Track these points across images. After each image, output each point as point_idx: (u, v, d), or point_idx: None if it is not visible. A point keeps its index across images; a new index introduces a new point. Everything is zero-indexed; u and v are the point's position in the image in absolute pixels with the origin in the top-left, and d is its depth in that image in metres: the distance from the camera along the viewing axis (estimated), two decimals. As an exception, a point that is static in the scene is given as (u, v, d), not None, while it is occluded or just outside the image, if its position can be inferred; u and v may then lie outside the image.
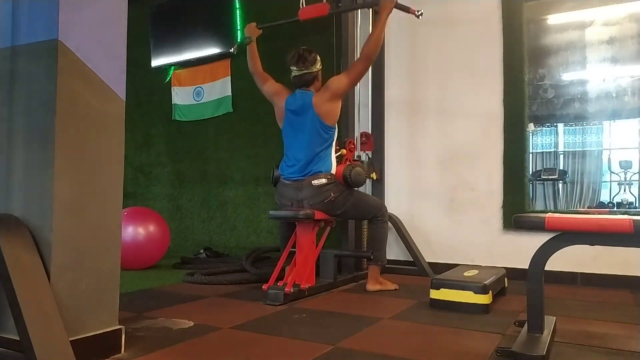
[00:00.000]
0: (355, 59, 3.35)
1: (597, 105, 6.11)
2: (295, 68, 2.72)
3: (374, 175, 3.46)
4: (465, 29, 3.53)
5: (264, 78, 2.92)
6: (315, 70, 2.73)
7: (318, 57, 2.75)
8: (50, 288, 1.41)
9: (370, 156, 3.50)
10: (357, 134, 3.39)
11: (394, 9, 2.76)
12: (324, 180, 2.64)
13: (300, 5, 3.02)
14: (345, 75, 2.73)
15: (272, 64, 3.04)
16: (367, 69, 2.89)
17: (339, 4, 3.41)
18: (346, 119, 3.24)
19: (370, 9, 3.61)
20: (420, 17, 2.74)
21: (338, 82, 2.70)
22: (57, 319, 1.37)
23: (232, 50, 3.04)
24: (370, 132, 3.60)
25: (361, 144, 3.37)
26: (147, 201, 4.96)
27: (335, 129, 2.74)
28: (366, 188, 3.45)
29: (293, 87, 2.79)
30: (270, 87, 2.89)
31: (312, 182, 2.63)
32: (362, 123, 3.54)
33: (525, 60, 3.35)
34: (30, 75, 1.53)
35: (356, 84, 2.96)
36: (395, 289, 2.83)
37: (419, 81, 3.69)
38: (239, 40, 2.98)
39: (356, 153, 3.36)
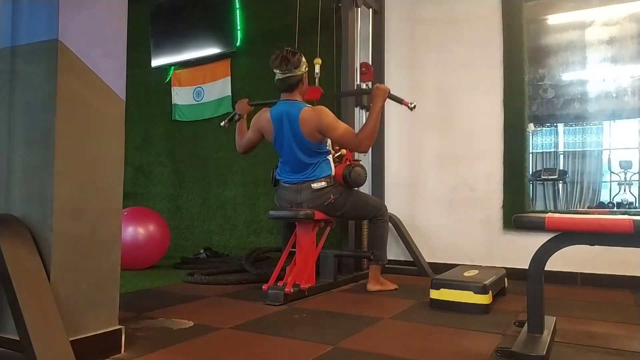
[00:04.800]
0: (355, 58, 3.36)
1: (597, 105, 6.11)
2: (278, 71, 2.56)
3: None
4: (465, 29, 3.53)
5: (248, 140, 2.80)
6: (299, 73, 2.57)
7: (303, 59, 2.59)
8: (50, 288, 1.41)
9: (370, 86, 3.42)
10: (357, 64, 3.33)
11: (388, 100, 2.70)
12: (323, 184, 2.63)
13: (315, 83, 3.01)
14: (340, 132, 2.55)
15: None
16: (355, 151, 2.80)
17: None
18: (346, 120, 3.24)
19: (370, 8, 3.62)
20: (413, 109, 2.68)
21: (331, 128, 2.54)
22: (57, 319, 1.37)
23: (222, 124, 3.00)
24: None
25: (361, 74, 3.33)
26: (147, 201, 4.96)
27: (325, 141, 2.65)
28: (366, 187, 3.44)
29: (277, 91, 2.67)
30: (250, 132, 2.77)
31: (312, 185, 2.62)
32: (362, 122, 3.53)
33: (525, 60, 3.35)
34: (30, 75, 1.53)
35: (335, 144, 2.80)
36: (395, 289, 2.83)
37: (418, 81, 3.69)
38: (231, 114, 2.94)
39: (356, 83, 3.34)
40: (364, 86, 3.38)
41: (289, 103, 2.62)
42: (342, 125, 2.58)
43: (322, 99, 2.92)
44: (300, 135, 2.57)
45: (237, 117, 2.93)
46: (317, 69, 3.09)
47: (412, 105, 2.70)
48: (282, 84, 2.61)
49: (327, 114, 2.55)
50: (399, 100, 2.74)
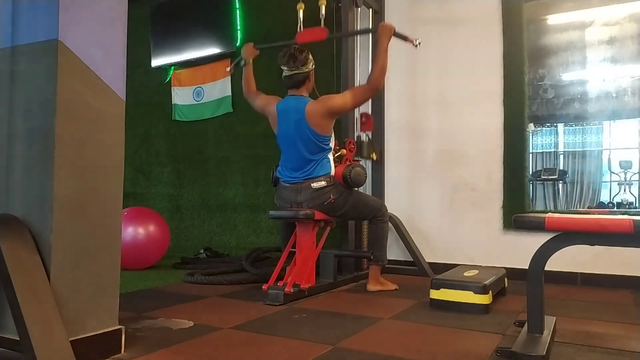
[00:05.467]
0: (355, 59, 3.36)
1: (597, 106, 6.11)
2: (286, 68, 2.65)
3: (374, 156, 3.44)
4: (465, 28, 3.53)
5: (256, 95, 2.89)
6: (306, 70, 2.66)
7: (310, 57, 2.68)
8: (50, 288, 1.41)
9: (370, 137, 3.48)
10: (357, 115, 3.34)
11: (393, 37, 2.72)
12: (323, 183, 2.63)
13: (298, 29, 3.00)
14: (349, 98, 2.65)
15: (273, 64, 3.03)
16: (372, 96, 2.84)
17: (337, 8, 3.41)
18: (346, 120, 3.24)
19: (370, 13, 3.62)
20: (418, 46, 2.71)
21: (340, 104, 2.63)
22: (57, 319, 1.37)
23: (228, 69, 3.03)
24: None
25: (361, 124, 3.35)
26: (147, 201, 4.96)
27: (330, 136, 2.70)
28: (366, 188, 3.44)
29: (284, 88, 2.74)
30: (260, 100, 2.85)
31: (312, 184, 2.63)
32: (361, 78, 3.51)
33: (525, 60, 3.35)
34: (30, 75, 1.53)
35: (358, 107, 2.92)
36: (395, 289, 2.83)
37: (419, 81, 3.69)
38: (236, 60, 2.96)
39: (356, 133, 3.35)
40: (363, 137, 3.41)
41: (296, 98, 2.67)
42: (347, 92, 2.70)
43: (326, 40, 2.95)
44: (307, 128, 2.60)
45: (243, 62, 2.95)
46: (322, 10, 3.05)
47: (417, 42, 2.71)
48: (289, 80, 2.68)
49: (331, 96, 2.67)
50: (404, 38, 2.76)
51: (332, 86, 3.51)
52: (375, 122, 3.57)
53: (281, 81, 2.73)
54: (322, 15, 3.04)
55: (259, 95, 2.89)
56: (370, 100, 3.64)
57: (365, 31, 3.32)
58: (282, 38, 3.71)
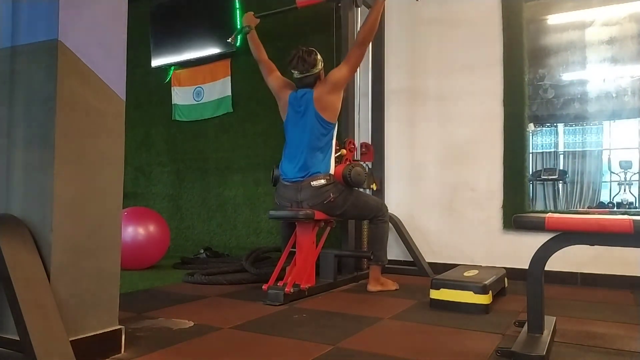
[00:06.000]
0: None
1: (597, 106, 6.11)
2: (296, 72, 2.71)
3: (374, 186, 3.44)
4: (465, 28, 3.53)
5: (270, 68, 2.93)
6: (316, 71, 2.71)
7: (319, 57, 2.73)
8: (50, 288, 1.41)
9: (370, 166, 3.49)
10: (357, 144, 3.34)
11: None
12: (323, 181, 2.63)
13: None
14: (344, 64, 2.73)
15: (274, 64, 3.03)
16: (364, 54, 2.86)
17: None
18: (346, 120, 3.24)
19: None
20: None
21: (338, 73, 2.71)
22: (57, 319, 1.37)
23: (229, 40, 3.04)
24: (370, 139, 3.58)
25: (361, 154, 3.35)
26: (147, 201, 4.96)
27: (334, 125, 2.73)
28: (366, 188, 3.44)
29: (296, 87, 2.79)
30: (275, 81, 2.89)
31: (312, 183, 2.63)
32: (362, 125, 3.53)
33: (525, 60, 3.35)
34: (30, 75, 1.53)
35: (355, 71, 2.93)
36: (396, 289, 2.83)
37: (419, 81, 3.69)
38: (238, 30, 2.98)
39: (353, 159, 3.33)
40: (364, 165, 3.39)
41: (307, 91, 2.73)
42: (342, 63, 2.76)
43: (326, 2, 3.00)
44: (314, 114, 2.65)
45: (246, 29, 2.99)
46: None
47: None
48: (301, 83, 2.74)
49: (330, 73, 2.73)
50: None
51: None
52: (375, 146, 3.54)
53: (288, 76, 2.78)
54: None
55: (272, 70, 2.93)
56: (370, 101, 3.66)
57: None
58: (282, 38, 3.72)
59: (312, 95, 2.68)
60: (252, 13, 3.04)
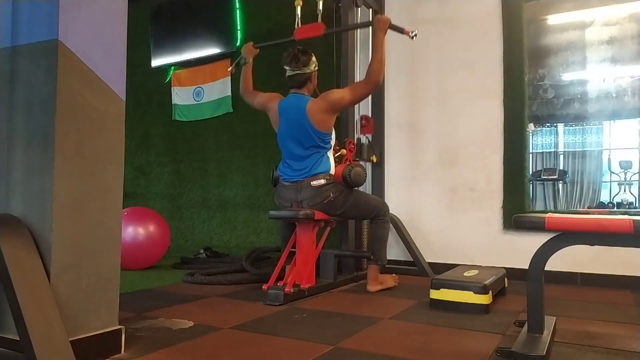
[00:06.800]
0: (355, 59, 3.36)
1: (597, 106, 6.11)
2: (288, 68, 2.67)
3: (374, 158, 3.44)
4: (465, 28, 3.53)
5: (254, 94, 2.91)
6: (309, 71, 2.67)
7: (313, 58, 2.70)
8: (50, 288, 1.41)
9: (370, 139, 3.48)
10: (357, 117, 3.34)
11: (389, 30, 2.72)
12: (322, 181, 2.63)
13: (296, 26, 3.00)
14: (349, 93, 2.65)
15: (273, 64, 3.03)
16: (371, 92, 2.81)
17: (338, 4, 3.41)
18: (346, 120, 3.24)
19: (370, 11, 3.62)
20: (414, 38, 2.69)
21: (339, 98, 2.63)
22: (57, 319, 1.37)
23: (229, 69, 3.05)
24: (370, 139, 3.59)
25: (361, 126, 3.34)
26: (147, 201, 4.96)
27: (331, 133, 2.71)
28: (366, 188, 3.44)
29: (286, 87, 2.76)
30: (260, 97, 2.87)
31: (311, 183, 2.63)
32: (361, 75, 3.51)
33: (525, 60, 3.35)
34: (30, 75, 1.53)
35: (357, 103, 2.90)
36: (396, 285, 2.84)
37: (419, 81, 3.69)
38: (237, 59, 2.98)
39: (356, 136, 3.34)
40: (363, 139, 3.40)
41: (297, 96, 2.70)
42: (347, 87, 2.71)
43: (324, 36, 2.94)
44: (308, 125, 2.61)
45: (243, 60, 2.97)
46: (319, 5, 3.03)
47: (413, 34, 2.70)
48: (292, 80, 2.71)
49: (331, 91, 2.67)
50: (400, 30, 2.74)
51: (332, 83, 3.51)
52: (375, 123, 3.58)
53: (285, 79, 2.75)
54: (320, 10, 3.03)
55: (257, 93, 2.91)
56: (370, 102, 3.66)
57: (362, 25, 3.32)
58: (282, 37, 3.72)
59: (305, 104, 2.63)
60: (252, 43, 3.00)
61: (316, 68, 2.72)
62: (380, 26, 2.67)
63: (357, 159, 3.10)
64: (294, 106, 2.67)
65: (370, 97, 3.64)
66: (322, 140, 2.66)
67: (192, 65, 4.77)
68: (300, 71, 2.66)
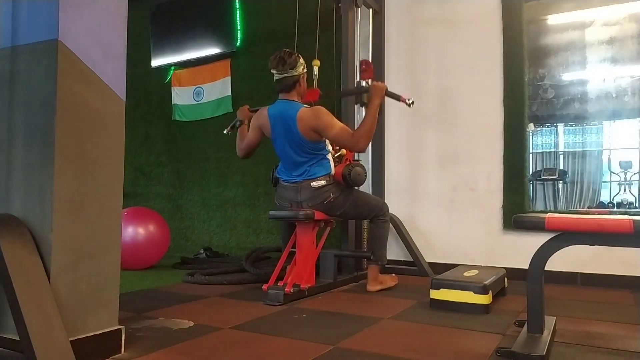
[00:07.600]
0: (355, 59, 3.36)
1: (597, 106, 6.11)
2: (275, 71, 2.60)
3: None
4: (465, 29, 3.53)
5: (247, 143, 2.82)
6: (296, 74, 2.59)
7: (301, 60, 2.61)
8: (50, 288, 1.41)
9: (370, 83, 3.45)
10: (357, 62, 3.31)
11: (385, 97, 2.71)
12: (322, 182, 2.63)
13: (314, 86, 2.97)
14: (337, 129, 2.52)
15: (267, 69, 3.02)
16: (353, 149, 2.73)
17: (338, 4, 3.41)
18: (346, 117, 3.24)
19: (371, 12, 3.62)
20: (411, 105, 2.67)
21: (325, 125, 2.52)
22: (57, 319, 1.37)
23: (225, 132, 3.01)
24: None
25: (361, 71, 3.31)
26: (147, 201, 4.96)
27: (324, 141, 2.65)
28: (366, 188, 3.44)
29: (275, 92, 2.69)
30: (250, 133, 2.80)
31: (311, 184, 2.62)
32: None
33: (525, 60, 3.35)
34: (30, 75, 1.53)
35: (333, 142, 2.75)
36: (396, 284, 2.84)
37: (419, 81, 3.69)
38: (234, 122, 2.95)
39: (356, 80, 3.31)
40: (363, 83, 3.36)
41: (286, 103, 2.64)
42: (337, 125, 2.55)
43: (320, 100, 2.92)
44: (297, 134, 2.58)
45: (238, 123, 2.94)
46: (315, 70, 3.05)
47: (410, 102, 2.69)
48: (279, 84, 2.64)
49: (323, 113, 2.55)
50: (397, 97, 2.73)
51: (332, 83, 3.52)
52: (375, 148, 3.53)
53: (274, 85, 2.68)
54: (315, 76, 3.00)
55: (247, 137, 2.82)
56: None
57: (358, 91, 3.29)
58: (282, 38, 3.72)
59: (295, 112, 2.55)
60: (248, 107, 2.96)
61: (304, 70, 2.65)
62: (377, 92, 2.60)
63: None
64: (283, 114, 2.60)
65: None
66: (315, 149, 2.63)
67: (192, 65, 4.77)
68: (288, 74, 2.58)
